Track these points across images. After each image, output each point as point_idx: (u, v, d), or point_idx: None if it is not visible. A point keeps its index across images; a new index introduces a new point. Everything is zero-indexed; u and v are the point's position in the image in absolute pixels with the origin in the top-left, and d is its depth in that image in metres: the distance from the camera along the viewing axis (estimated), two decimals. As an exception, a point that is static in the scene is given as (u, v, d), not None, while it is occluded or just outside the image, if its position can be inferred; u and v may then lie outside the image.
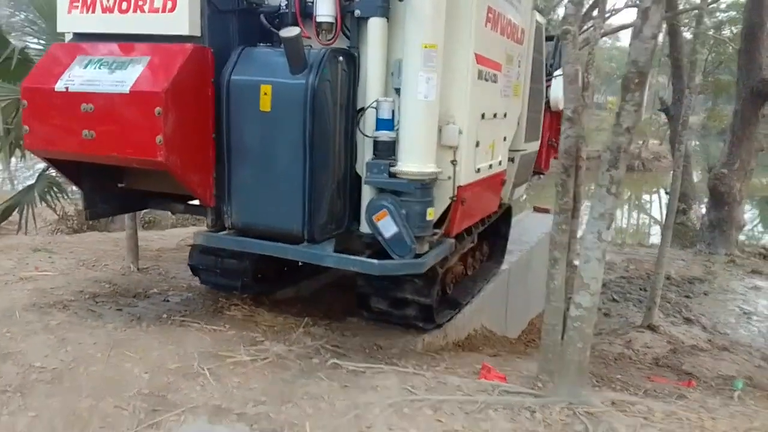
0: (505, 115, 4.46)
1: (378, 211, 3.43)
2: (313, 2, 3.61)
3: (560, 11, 18.53)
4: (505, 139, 4.62)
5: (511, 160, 5.01)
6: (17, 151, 7.28)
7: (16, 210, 7.98)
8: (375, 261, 3.44)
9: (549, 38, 6.14)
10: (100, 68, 3.46)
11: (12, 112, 6.50)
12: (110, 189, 4.18)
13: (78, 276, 4.70)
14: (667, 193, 15.22)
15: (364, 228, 3.67)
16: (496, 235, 6.08)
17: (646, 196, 22.39)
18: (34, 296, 4.14)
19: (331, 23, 3.58)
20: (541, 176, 6.56)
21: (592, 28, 13.05)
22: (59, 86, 3.46)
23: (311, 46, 3.53)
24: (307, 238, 3.52)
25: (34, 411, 2.70)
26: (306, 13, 3.66)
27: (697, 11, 7.49)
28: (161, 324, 3.85)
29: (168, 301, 4.46)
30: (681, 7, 15.33)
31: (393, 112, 3.50)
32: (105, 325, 3.70)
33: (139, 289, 4.60)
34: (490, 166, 4.31)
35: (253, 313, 4.24)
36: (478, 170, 4.02)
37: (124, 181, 4.21)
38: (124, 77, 3.34)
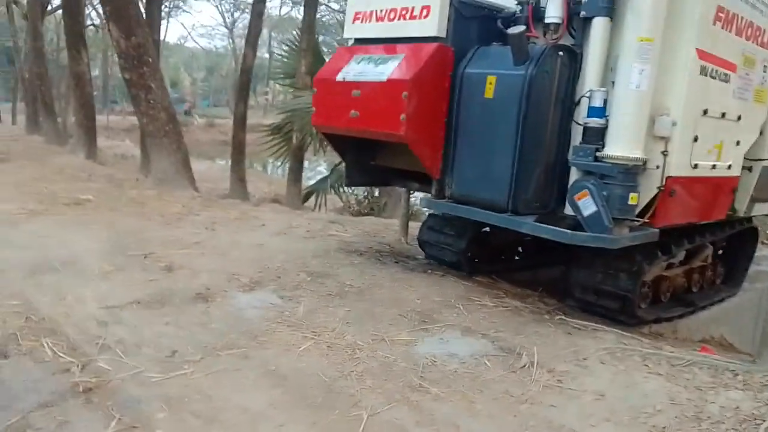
0: (738, 118, 4.32)
1: (580, 191, 3.76)
2: (544, 7, 4.12)
3: None
4: (738, 143, 4.45)
5: (749, 168, 4.75)
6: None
7: (314, 195, 10.14)
8: (568, 231, 3.78)
9: None
10: (368, 63, 4.48)
11: None
12: (365, 164, 5.23)
13: (366, 239, 6.07)
14: None
15: (569, 211, 4.01)
16: (735, 256, 5.73)
17: None
18: (340, 245, 5.59)
19: (558, 24, 4.03)
20: None
21: None
22: (339, 77, 4.57)
23: (535, 44, 4.03)
24: (511, 209, 4.03)
25: (348, 308, 3.91)
26: (537, 17, 4.18)
27: None
28: (427, 275, 4.90)
29: (430, 263, 5.43)
30: None
31: (605, 101, 3.79)
32: (388, 268, 4.96)
33: (409, 254, 5.69)
34: (714, 166, 4.24)
35: (497, 282, 5.01)
36: (696, 166, 4.03)
37: (376, 159, 5.23)
38: (384, 69, 4.28)
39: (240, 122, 11.50)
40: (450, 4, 4.21)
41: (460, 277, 4.82)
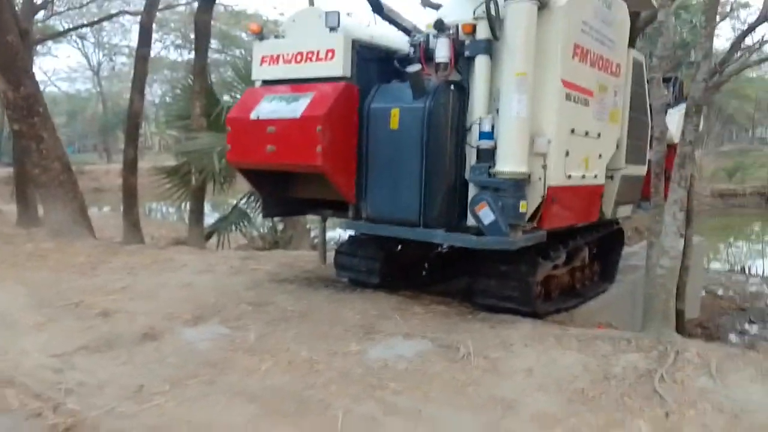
0: (599, 135, 5.17)
1: (479, 203, 4.36)
2: (434, 48, 4.73)
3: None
4: (600, 156, 5.30)
5: (611, 177, 5.64)
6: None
7: (215, 234, 10.14)
8: (474, 237, 4.36)
9: (666, 79, 6.74)
10: (280, 102, 4.85)
11: (220, 156, 8.44)
12: (280, 196, 5.55)
13: (287, 269, 6.30)
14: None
15: (471, 222, 4.59)
16: (607, 256, 6.67)
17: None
18: (267, 277, 5.82)
19: (447, 63, 4.65)
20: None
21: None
22: (253, 116, 4.89)
23: (431, 79, 4.63)
24: (423, 224, 4.54)
25: (296, 330, 4.22)
26: (428, 57, 4.78)
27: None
28: (359, 294, 5.28)
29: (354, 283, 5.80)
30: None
31: (492, 126, 4.45)
32: (321, 292, 5.29)
33: (332, 277, 5.97)
34: (584, 176, 5.03)
35: (418, 294, 5.47)
36: (570, 177, 4.78)
37: (290, 191, 5.56)
38: (296, 107, 4.67)
39: (130, 167, 11.23)
40: (352, 47, 4.71)
41: (387, 293, 5.26)
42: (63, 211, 7.62)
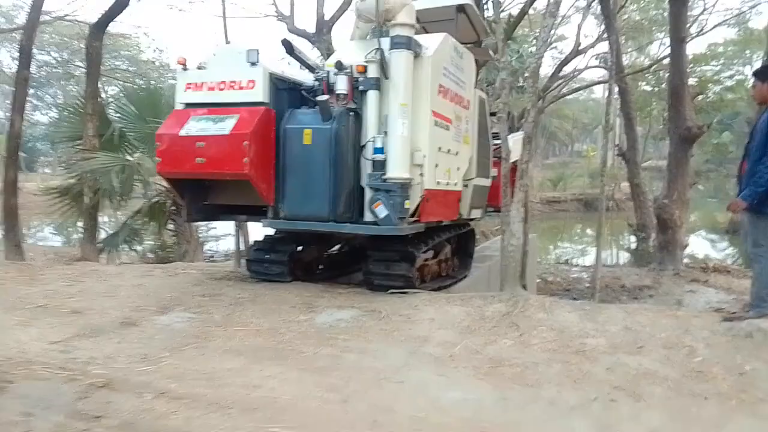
0: (457, 153, 6.78)
1: (375, 202, 5.70)
2: (334, 83, 6.01)
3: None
4: (458, 169, 6.92)
5: (466, 186, 7.30)
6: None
7: (105, 250, 10.46)
8: (374, 226, 5.69)
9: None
10: (207, 122, 5.84)
11: (117, 175, 8.97)
12: (200, 203, 6.48)
13: (212, 273, 7.07)
14: (629, 225, 17.64)
15: (367, 218, 5.91)
16: (464, 253, 8.38)
17: (621, 231, 24.41)
18: (205, 276, 6.61)
19: (345, 94, 5.97)
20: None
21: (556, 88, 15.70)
22: (182, 132, 5.82)
23: (334, 107, 5.91)
24: (331, 220, 5.79)
25: (251, 310, 5.24)
26: (330, 89, 6.05)
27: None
28: (290, 284, 6.30)
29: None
30: (627, 70, 18.17)
31: (383, 143, 5.83)
32: (258, 284, 6.22)
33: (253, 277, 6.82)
34: (447, 183, 6.59)
35: (330, 285, 6.53)
36: (438, 183, 6.31)
37: (209, 199, 6.51)
38: (224, 125, 5.69)
39: (11, 188, 11.14)
40: (269, 79, 5.86)
41: (312, 283, 6.41)
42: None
